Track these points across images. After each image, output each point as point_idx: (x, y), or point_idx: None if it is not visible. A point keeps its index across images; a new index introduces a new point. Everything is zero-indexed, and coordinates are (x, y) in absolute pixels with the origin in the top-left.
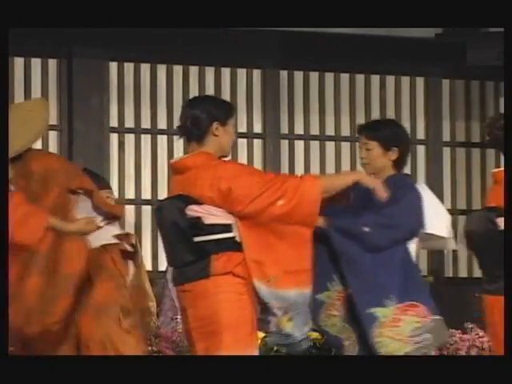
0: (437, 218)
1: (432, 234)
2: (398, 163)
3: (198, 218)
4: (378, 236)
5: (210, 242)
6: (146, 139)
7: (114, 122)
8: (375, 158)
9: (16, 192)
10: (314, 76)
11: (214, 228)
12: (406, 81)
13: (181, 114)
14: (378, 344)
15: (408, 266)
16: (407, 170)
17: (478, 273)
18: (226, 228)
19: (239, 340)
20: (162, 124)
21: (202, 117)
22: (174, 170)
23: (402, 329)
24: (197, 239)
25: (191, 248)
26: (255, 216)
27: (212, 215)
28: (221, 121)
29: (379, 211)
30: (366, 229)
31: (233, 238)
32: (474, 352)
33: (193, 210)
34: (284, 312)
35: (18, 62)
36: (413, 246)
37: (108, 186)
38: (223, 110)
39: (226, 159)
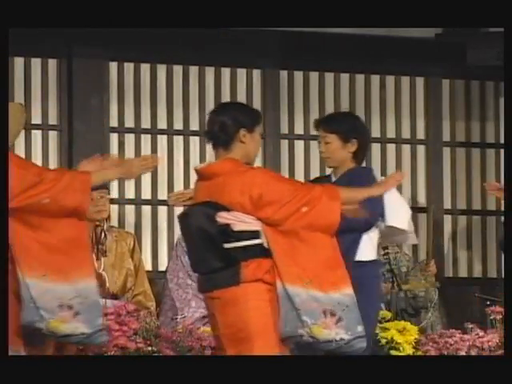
0: (397, 211)
1: (392, 227)
2: (357, 156)
3: (227, 225)
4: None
5: (238, 248)
6: (145, 139)
7: (114, 122)
8: (334, 151)
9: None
10: (314, 76)
11: (243, 235)
12: (405, 81)
13: (208, 119)
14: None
15: (346, 255)
16: (407, 169)
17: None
18: (255, 234)
19: (271, 346)
20: (162, 124)
21: (229, 123)
22: (200, 175)
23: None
24: (226, 246)
25: (220, 255)
26: (283, 222)
27: (241, 222)
28: (248, 128)
29: None
30: None
31: (261, 244)
32: (474, 352)
33: (222, 217)
34: (331, 315)
35: (18, 62)
36: (375, 238)
37: (104, 186)
38: (250, 117)
39: (253, 166)
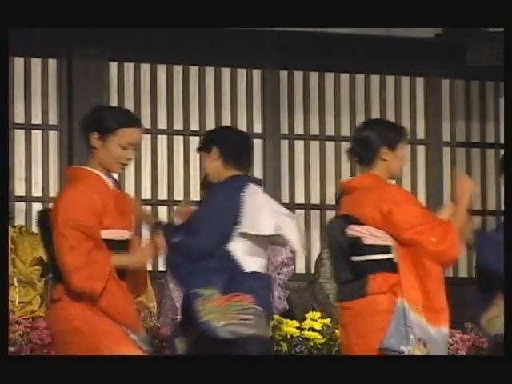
0: (255, 218)
1: (255, 234)
2: (229, 163)
3: (358, 238)
4: (183, 246)
5: (369, 261)
6: (146, 139)
7: None
8: (206, 166)
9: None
10: (313, 76)
11: (374, 248)
12: (405, 81)
13: (353, 137)
14: (202, 312)
15: (232, 264)
16: (407, 169)
17: None
18: (386, 249)
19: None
20: (162, 124)
21: (371, 142)
22: (343, 189)
23: (227, 308)
24: (356, 259)
25: (351, 266)
26: (411, 244)
27: (372, 236)
28: (390, 145)
29: (193, 218)
30: (176, 239)
31: (391, 259)
32: (474, 352)
33: (354, 230)
34: (423, 345)
35: (18, 62)
36: (260, 251)
37: None
38: (394, 135)
39: (391, 183)
